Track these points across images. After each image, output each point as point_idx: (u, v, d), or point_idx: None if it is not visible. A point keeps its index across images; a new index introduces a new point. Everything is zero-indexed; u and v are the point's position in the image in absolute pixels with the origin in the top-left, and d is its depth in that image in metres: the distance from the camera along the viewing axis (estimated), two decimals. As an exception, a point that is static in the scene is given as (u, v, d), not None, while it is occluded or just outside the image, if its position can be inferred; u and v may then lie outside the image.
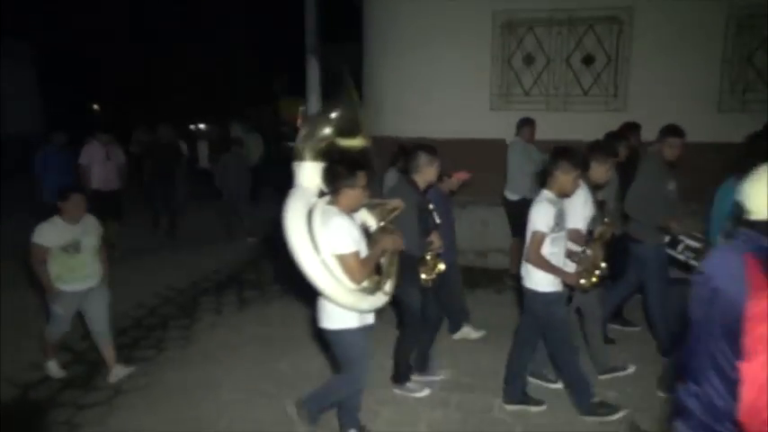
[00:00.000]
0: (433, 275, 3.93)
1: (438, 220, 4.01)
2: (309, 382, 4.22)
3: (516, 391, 3.85)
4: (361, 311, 3.18)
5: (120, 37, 21.92)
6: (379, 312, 3.35)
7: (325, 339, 3.42)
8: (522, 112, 7.01)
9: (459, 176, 4.84)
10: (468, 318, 5.10)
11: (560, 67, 7.42)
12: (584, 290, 3.79)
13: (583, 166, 3.63)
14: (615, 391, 4.02)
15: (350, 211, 3.20)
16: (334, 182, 3.16)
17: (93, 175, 7.33)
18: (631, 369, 4.29)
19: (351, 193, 3.15)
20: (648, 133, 6.99)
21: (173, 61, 22.80)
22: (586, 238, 3.82)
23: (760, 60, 6.89)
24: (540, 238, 3.48)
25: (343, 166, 3.16)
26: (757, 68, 6.91)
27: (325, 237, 3.02)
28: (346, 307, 3.10)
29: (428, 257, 3.92)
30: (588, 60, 7.33)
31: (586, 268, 3.70)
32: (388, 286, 3.33)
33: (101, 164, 7.40)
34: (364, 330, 3.24)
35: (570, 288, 3.79)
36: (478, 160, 6.24)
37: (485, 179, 6.16)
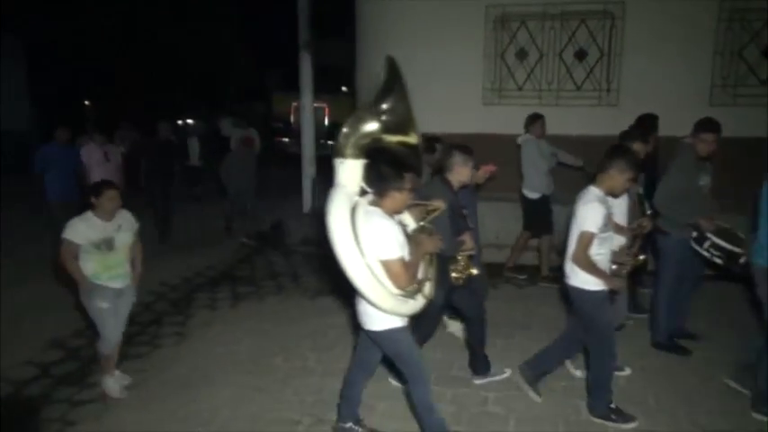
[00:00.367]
0: (464, 276, 3.81)
1: (471, 225, 3.90)
2: (305, 378, 4.24)
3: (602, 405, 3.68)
4: (402, 316, 3.08)
5: (111, 32, 21.74)
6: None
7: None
8: (514, 107, 7.04)
9: (488, 169, 4.64)
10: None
11: (553, 62, 7.44)
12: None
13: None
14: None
15: (394, 213, 3.09)
16: (379, 184, 3.02)
17: (93, 178, 6.93)
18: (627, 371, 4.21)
19: (397, 197, 3.02)
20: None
21: (163, 56, 22.63)
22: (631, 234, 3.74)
23: (751, 54, 6.94)
24: (589, 238, 3.38)
25: (389, 168, 3.00)
26: (748, 62, 6.96)
27: (369, 240, 2.89)
28: (388, 311, 2.99)
29: (459, 258, 3.79)
30: (581, 55, 7.35)
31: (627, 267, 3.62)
32: (428, 289, 3.20)
33: (99, 165, 7.18)
34: (408, 327, 3.17)
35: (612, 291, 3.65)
36: (472, 155, 6.24)
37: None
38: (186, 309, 5.77)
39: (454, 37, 7.56)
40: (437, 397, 3.92)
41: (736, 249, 4.08)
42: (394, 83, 3.02)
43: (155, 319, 5.53)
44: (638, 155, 4.02)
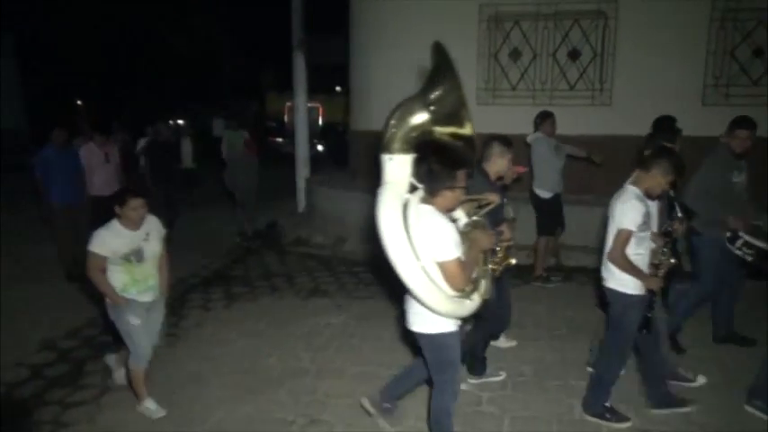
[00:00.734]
0: (502, 267, 3.62)
1: (512, 214, 3.79)
2: (299, 379, 4.23)
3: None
4: (459, 318, 2.94)
5: (103, 29, 21.61)
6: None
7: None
8: (508, 107, 7.05)
9: (518, 169, 4.46)
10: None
11: (546, 62, 7.46)
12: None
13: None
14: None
15: (447, 211, 2.92)
16: (430, 183, 2.86)
17: (94, 182, 6.75)
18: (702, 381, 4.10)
19: (449, 196, 2.86)
20: (632, 127, 7.07)
21: (156, 54, 22.53)
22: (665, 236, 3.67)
23: (743, 54, 6.98)
24: (626, 236, 3.30)
25: (440, 165, 2.84)
26: (740, 62, 7.00)
27: (423, 241, 2.72)
28: (445, 315, 2.84)
29: (498, 248, 3.54)
30: (574, 55, 7.37)
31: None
32: (483, 288, 3.02)
33: (100, 166, 6.87)
34: (459, 332, 3.03)
35: (652, 293, 3.54)
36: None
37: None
38: (180, 309, 5.75)
39: (448, 36, 7.43)
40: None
41: None
42: (443, 70, 2.79)
43: (148, 319, 5.50)
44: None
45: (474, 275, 2.93)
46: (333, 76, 18.64)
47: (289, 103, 16.59)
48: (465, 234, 2.95)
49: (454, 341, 2.97)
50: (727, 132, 4.40)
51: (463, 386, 3.74)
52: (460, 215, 3.11)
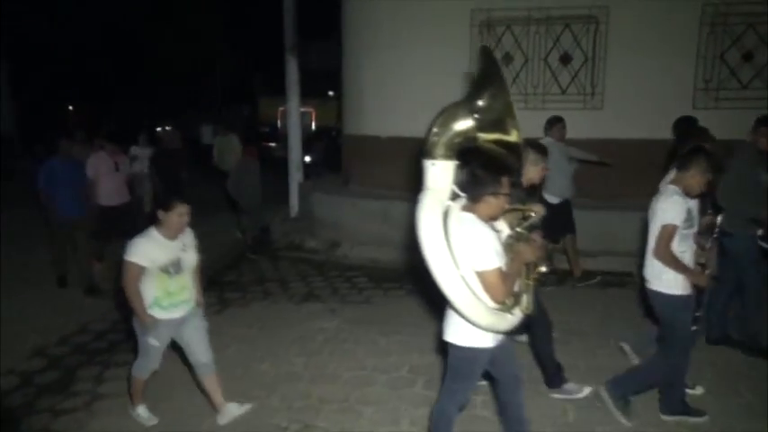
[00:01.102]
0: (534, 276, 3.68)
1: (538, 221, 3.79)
2: (292, 384, 4.21)
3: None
4: (499, 332, 2.82)
5: (94, 34, 21.52)
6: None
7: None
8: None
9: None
10: None
11: (538, 66, 7.49)
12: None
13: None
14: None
15: (489, 219, 2.82)
16: (473, 189, 2.77)
17: (102, 190, 6.54)
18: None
19: (493, 202, 2.76)
20: (624, 130, 7.12)
21: (147, 58, 22.44)
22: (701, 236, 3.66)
23: (733, 58, 7.03)
24: (671, 231, 3.27)
25: (484, 171, 2.76)
26: (730, 66, 7.05)
27: (463, 249, 2.65)
28: (484, 328, 2.74)
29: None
30: (565, 59, 7.41)
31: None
32: (525, 302, 2.88)
33: (109, 176, 6.65)
34: (493, 349, 2.88)
35: (698, 291, 3.50)
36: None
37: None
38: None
39: (440, 41, 7.59)
40: (424, 400, 3.93)
41: None
42: (490, 75, 2.74)
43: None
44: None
45: (516, 289, 2.83)
46: (325, 80, 18.65)
47: (282, 108, 16.58)
48: (508, 246, 2.85)
49: (485, 357, 2.88)
50: (753, 131, 4.45)
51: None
52: (503, 227, 2.98)
